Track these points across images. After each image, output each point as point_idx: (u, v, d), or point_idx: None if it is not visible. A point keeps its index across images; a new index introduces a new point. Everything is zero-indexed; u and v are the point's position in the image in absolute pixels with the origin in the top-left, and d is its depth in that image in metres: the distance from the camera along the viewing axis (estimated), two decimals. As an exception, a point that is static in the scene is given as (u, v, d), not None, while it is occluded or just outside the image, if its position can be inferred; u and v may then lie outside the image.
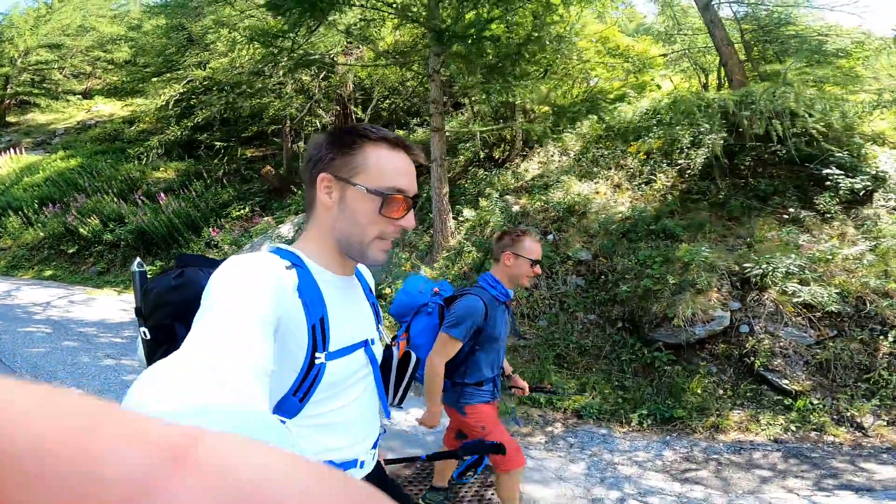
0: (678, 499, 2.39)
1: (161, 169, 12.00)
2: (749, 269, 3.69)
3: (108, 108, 18.96)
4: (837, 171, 4.40)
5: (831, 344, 3.42)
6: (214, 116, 10.92)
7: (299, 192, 8.09)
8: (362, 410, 0.91)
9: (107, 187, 10.68)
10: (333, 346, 0.82)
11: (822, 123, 4.45)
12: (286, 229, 6.55)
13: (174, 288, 0.93)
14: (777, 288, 3.53)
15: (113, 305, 5.97)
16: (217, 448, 0.15)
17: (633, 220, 4.58)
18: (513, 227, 4.19)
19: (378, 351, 0.97)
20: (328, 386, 0.82)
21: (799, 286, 3.52)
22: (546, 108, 5.31)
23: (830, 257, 3.64)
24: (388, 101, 7.74)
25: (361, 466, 0.92)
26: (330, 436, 0.86)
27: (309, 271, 0.83)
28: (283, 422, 0.79)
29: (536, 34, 4.38)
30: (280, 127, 10.18)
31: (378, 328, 0.99)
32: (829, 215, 4.28)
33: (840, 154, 4.52)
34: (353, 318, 0.89)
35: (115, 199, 9.91)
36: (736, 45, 6.43)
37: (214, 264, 0.92)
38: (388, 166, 0.85)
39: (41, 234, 9.59)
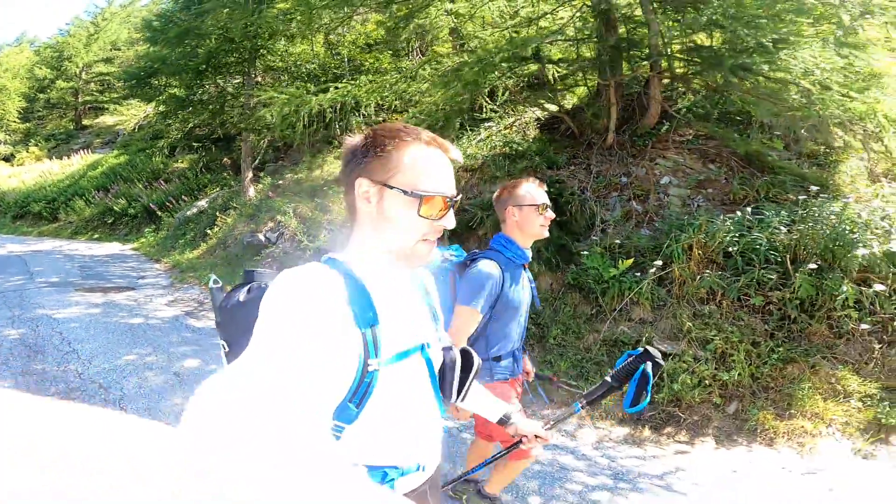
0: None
1: (180, 161, 17.11)
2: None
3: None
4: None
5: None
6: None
7: (224, 173, 12.76)
8: (421, 414, 0.99)
9: (138, 177, 16.04)
10: (387, 352, 0.89)
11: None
12: (203, 202, 11.23)
13: (242, 304, 1.04)
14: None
15: (107, 248, 11.21)
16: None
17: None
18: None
19: (435, 354, 1.03)
20: (384, 391, 0.89)
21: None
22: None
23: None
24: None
25: (423, 470, 1.00)
26: (390, 441, 0.93)
27: (359, 280, 0.89)
28: (343, 428, 0.89)
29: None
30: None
31: (436, 330, 1.06)
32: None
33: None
34: (407, 322, 0.96)
35: (140, 186, 15.18)
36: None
37: None
38: (424, 166, 0.91)
39: (94, 211, 15.32)
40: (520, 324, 1.95)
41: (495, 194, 1.98)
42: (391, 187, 0.90)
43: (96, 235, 14.22)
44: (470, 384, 1.12)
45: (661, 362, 1.55)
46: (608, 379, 1.55)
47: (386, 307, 0.91)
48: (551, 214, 1.89)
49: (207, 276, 7.47)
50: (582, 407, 1.59)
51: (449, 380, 1.06)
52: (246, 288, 1.08)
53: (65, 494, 0.18)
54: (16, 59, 23.24)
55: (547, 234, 1.92)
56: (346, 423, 0.88)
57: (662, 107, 5.65)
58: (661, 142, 5.55)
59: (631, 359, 1.55)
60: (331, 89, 6.08)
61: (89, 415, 0.21)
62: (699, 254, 3.78)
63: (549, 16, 6.10)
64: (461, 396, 1.11)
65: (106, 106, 23.09)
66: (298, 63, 9.58)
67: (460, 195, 0.97)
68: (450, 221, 0.94)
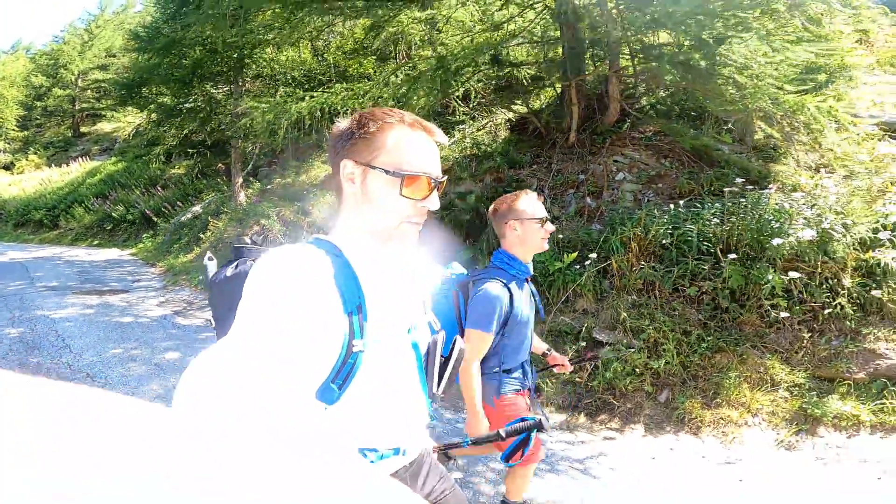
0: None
1: (176, 167, 17.45)
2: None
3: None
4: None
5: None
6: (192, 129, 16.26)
7: (219, 179, 13.12)
8: (405, 398, 0.98)
9: (135, 183, 16.41)
10: (372, 333, 0.89)
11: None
12: (198, 207, 11.59)
13: (228, 279, 1.07)
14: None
15: (106, 254, 11.60)
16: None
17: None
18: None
19: (422, 337, 1.03)
20: (367, 373, 0.89)
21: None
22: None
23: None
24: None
25: (404, 454, 1.00)
26: (371, 423, 0.93)
27: (346, 260, 0.90)
28: (323, 409, 0.88)
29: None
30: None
31: (425, 313, 1.07)
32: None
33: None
34: (394, 304, 0.96)
35: (138, 192, 15.55)
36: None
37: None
38: (407, 147, 0.93)
39: (94, 218, 15.73)
40: (527, 336, 1.99)
41: (491, 208, 1.98)
42: (374, 168, 0.92)
43: (96, 242, 14.65)
44: (451, 373, 1.10)
45: (547, 429, 1.76)
46: (500, 432, 1.71)
47: (373, 288, 0.91)
48: (551, 227, 1.91)
49: (197, 277, 7.81)
50: (469, 444, 1.74)
51: (431, 366, 1.05)
52: (234, 264, 1.11)
53: (61, 482, 0.18)
54: (12, 67, 23.71)
55: (547, 247, 1.96)
56: (327, 403, 0.88)
57: (622, 105, 5.89)
58: (619, 139, 5.80)
59: (523, 423, 1.71)
60: (307, 98, 6.36)
61: (79, 394, 0.21)
62: (636, 247, 4.05)
63: (516, 19, 6.35)
64: (440, 386, 1.08)
65: (103, 113, 23.41)
66: (285, 70, 9.89)
67: (445, 177, 0.99)
68: (433, 203, 0.95)
